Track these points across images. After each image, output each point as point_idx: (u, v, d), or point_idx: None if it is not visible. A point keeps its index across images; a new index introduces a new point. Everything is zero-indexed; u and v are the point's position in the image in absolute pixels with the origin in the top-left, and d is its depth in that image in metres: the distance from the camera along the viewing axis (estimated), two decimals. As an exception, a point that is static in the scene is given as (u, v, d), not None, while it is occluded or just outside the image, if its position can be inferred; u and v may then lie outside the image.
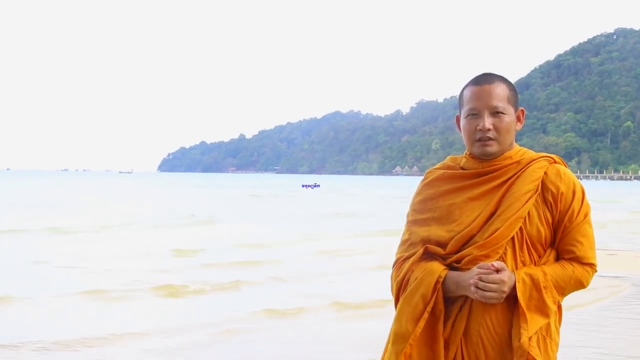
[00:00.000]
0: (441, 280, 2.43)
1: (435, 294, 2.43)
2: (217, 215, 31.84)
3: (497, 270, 2.34)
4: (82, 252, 16.27)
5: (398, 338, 2.48)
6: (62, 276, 12.36)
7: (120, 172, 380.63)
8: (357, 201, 51.37)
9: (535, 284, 2.38)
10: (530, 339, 2.34)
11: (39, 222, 25.28)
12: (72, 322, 8.60)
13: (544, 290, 2.38)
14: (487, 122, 2.45)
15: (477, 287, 2.33)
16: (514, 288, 2.36)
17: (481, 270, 2.34)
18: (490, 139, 2.46)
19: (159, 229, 24.05)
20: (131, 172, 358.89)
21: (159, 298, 10.33)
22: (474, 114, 2.47)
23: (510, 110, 2.48)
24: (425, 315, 2.43)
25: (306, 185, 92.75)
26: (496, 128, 2.46)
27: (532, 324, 2.35)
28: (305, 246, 18.38)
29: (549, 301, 2.39)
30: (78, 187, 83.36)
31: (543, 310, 2.38)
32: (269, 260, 14.99)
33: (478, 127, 2.46)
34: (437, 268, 2.46)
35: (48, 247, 17.37)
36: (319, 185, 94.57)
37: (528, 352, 2.32)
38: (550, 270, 2.42)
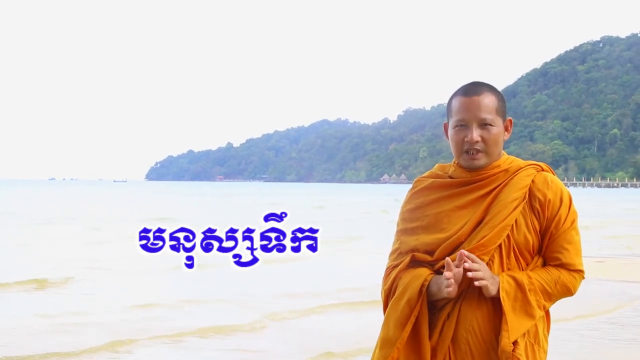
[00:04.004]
0: (427, 284, 2.45)
1: (421, 298, 2.45)
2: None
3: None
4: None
5: (385, 343, 2.49)
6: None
7: (114, 181, 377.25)
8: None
9: (519, 285, 2.40)
10: (518, 345, 2.35)
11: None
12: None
13: (528, 292, 2.40)
14: (475, 134, 2.46)
15: (466, 270, 2.33)
16: (499, 292, 2.38)
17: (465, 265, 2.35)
18: (478, 151, 2.48)
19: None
20: (126, 181, 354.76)
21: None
22: (462, 125, 2.49)
23: (498, 121, 2.49)
24: (412, 319, 2.45)
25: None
26: (484, 140, 2.47)
27: (518, 326, 2.37)
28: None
29: (534, 302, 2.41)
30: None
31: (528, 311, 2.40)
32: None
33: (466, 139, 2.47)
34: (424, 273, 2.48)
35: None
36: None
37: (514, 355, 2.33)
38: (535, 275, 2.44)
